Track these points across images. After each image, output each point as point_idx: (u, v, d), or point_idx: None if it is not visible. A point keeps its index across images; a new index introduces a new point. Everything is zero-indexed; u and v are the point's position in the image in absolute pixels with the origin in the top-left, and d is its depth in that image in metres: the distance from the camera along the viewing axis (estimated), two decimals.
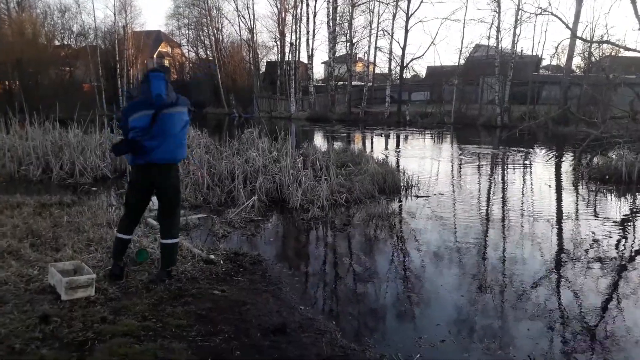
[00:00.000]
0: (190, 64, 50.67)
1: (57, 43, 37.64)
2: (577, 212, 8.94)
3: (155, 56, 52.57)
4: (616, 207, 9.33)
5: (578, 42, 26.87)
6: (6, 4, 34.38)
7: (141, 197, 4.57)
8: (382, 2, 36.16)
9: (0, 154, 10.71)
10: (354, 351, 3.60)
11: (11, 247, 5.13)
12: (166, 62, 54.81)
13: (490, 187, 11.41)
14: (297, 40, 39.02)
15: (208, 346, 3.42)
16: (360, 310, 4.59)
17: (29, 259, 4.85)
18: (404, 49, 34.27)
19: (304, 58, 40.32)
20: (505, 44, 32.39)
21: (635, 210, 9.09)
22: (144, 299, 4.10)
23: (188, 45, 49.73)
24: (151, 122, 4.23)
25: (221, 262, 5.22)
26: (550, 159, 16.01)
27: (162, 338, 3.46)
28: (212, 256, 5.31)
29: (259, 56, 43.94)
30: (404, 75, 37.05)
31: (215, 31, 42.50)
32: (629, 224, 8.02)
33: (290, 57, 38.99)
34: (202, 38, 45.05)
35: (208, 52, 44.78)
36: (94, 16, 49.28)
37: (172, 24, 48.92)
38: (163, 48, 53.90)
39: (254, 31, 41.18)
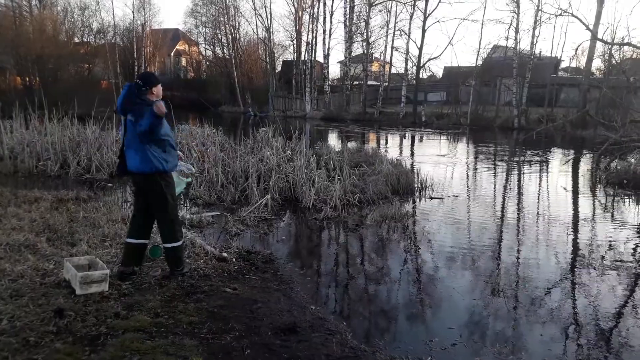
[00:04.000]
0: (207, 62, 50.99)
1: (76, 40, 38.15)
2: (593, 216, 8.80)
3: (172, 54, 53.07)
4: (634, 212, 9.17)
5: (598, 44, 26.40)
6: (28, 1, 34.95)
7: (139, 201, 4.60)
8: (400, 2, 36.05)
9: (19, 149, 10.89)
10: (365, 352, 3.59)
11: (28, 241, 5.22)
12: (183, 61, 55.31)
13: (505, 190, 11.29)
14: (314, 40, 39.06)
15: (219, 343, 3.44)
16: (371, 311, 4.58)
17: (45, 253, 4.93)
18: (420, 49, 34.11)
19: (319, 57, 40.36)
20: (524, 45, 31.89)
21: None
22: (156, 295, 4.14)
23: (205, 44, 50.11)
24: (123, 129, 4.37)
25: (233, 260, 5.25)
26: (568, 162, 15.80)
27: (174, 334, 3.49)
28: (225, 254, 5.34)
29: (275, 55, 44.05)
30: (421, 76, 36.85)
31: (233, 30, 42.68)
32: None
33: (306, 56, 39.00)
34: (219, 36, 45.26)
35: (225, 51, 45.01)
36: (113, 14, 49.98)
37: (190, 22, 49.38)
38: (180, 46, 54.36)
39: (271, 30, 41.29)
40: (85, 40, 39.10)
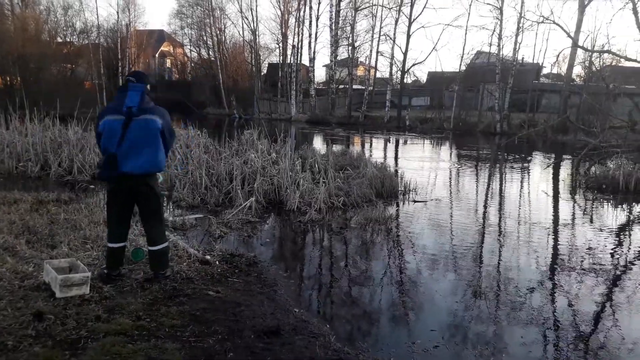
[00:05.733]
0: (192, 64, 50.73)
1: (59, 40, 37.68)
2: (573, 220, 8.95)
3: (157, 55, 52.66)
4: (613, 216, 9.35)
5: (579, 51, 26.88)
6: (10, 0, 34.41)
7: (121, 206, 4.44)
8: (385, 7, 36.28)
9: None
10: (348, 355, 3.60)
11: (7, 243, 5.13)
12: (168, 63, 54.92)
13: (487, 194, 11.42)
14: (299, 43, 39.13)
15: (201, 347, 3.42)
16: (355, 314, 4.60)
17: (25, 256, 4.85)
18: (405, 54, 34.33)
19: (305, 61, 40.47)
20: (507, 51, 32.23)
21: (631, 219, 9.11)
22: (138, 298, 4.10)
23: (190, 45, 49.88)
24: (122, 130, 4.18)
25: (217, 262, 5.22)
26: (549, 167, 16.04)
27: (156, 338, 3.46)
28: (208, 257, 5.31)
29: (261, 58, 43.99)
30: (405, 80, 37.10)
31: (218, 32, 42.56)
32: (625, 233, 8.03)
33: (292, 59, 39.03)
34: (205, 38, 45.11)
35: (210, 53, 44.82)
36: (97, 14, 49.45)
37: (175, 24, 49.08)
38: (165, 47, 53.96)
39: (257, 33, 41.24)
40: (68, 40, 38.63)
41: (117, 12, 38.90)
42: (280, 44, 40.89)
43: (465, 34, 34.43)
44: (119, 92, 4.40)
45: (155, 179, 4.48)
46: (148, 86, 4.44)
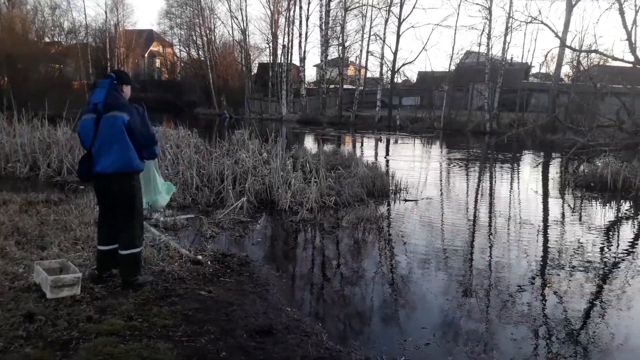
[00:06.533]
0: (182, 64, 50.48)
1: (47, 40, 37.34)
2: (562, 218, 9.04)
3: (146, 55, 52.37)
4: (601, 214, 9.46)
5: (567, 50, 27.14)
6: None
7: (103, 207, 4.39)
8: (375, 7, 36.37)
9: None
10: (340, 353, 3.62)
11: None
12: (157, 62, 54.62)
13: (477, 193, 11.50)
14: (290, 43, 39.06)
15: (194, 346, 3.42)
16: (347, 313, 4.61)
17: (14, 257, 4.82)
18: (395, 53, 34.43)
19: (296, 60, 40.36)
20: (496, 51, 32.63)
21: (619, 217, 9.23)
22: (130, 298, 4.09)
23: (180, 45, 49.64)
24: (94, 128, 4.11)
25: (209, 262, 5.22)
26: (538, 165, 16.18)
27: (148, 338, 3.45)
28: (200, 257, 5.31)
29: (251, 58, 43.91)
30: (395, 80, 37.21)
31: (208, 31, 42.40)
32: (613, 230, 8.13)
33: (282, 59, 38.99)
34: (194, 38, 44.93)
35: (200, 53, 44.64)
36: (85, 14, 49.10)
37: (165, 23, 48.81)
38: (155, 47, 53.67)
39: (247, 32, 41.10)
40: (56, 40, 38.30)
41: (106, 12, 38.89)
42: (271, 44, 40.87)
43: (455, 34, 34.66)
44: (91, 90, 4.38)
45: (129, 178, 4.25)
46: (126, 86, 4.35)
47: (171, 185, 5.12)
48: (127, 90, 4.41)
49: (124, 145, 4.14)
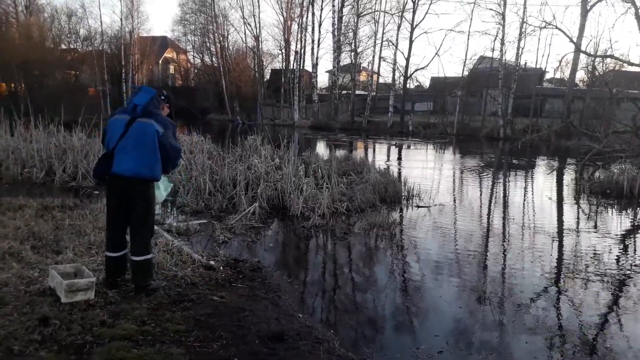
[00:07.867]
0: (195, 70, 50.91)
1: (63, 47, 37.93)
2: (577, 225, 8.93)
3: (160, 62, 52.89)
4: (617, 221, 9.32)
5: (582, 56, 26.88)
6: (15, 7, 34.70)
7: (115, 210, 4.34)
8: (388, 13, 36.42)
9: (4, 156, 10.75)
10: None
11: (12, 248, 5.15)
12: (171, 69, 55.18)
13: (491, 199, 11.41)
14: (302, 49, 39.20)
15: (206, 352, 3.42)
16: (359, 320, 4.59)
17: (30, 261, 4.87)
18: (408, 59, 34.39)
19: (308, 67, 40.48)
20: (509, 56, 32.24)
21: (636, 225, 9.08)
22: (143, 303, 4.11)
23: (194, 52, 50.04)
24: (125, 128, 4.14)
25: (221, 268, 5.23)
26: (552, 171, 16.01)
27: (161, 343, 3.47)
28: (212, 262, 5.33)
29: (264, 64, 44.12)
30: (408, 86, 37.12)
31: (221, 38, 42.68)
32: (630, 238, 8.01)
33: (294, 65, 39.13)
34: (208, 45, 45.22)
35: (213, 59, 44.98)
36: (101, 21, 49.44)
37: (179, 30, 49.29)
38: (169, 54, 54.19)
39: (260, 39, 41.36)
40: (72, 47, 38.89)
41: (121, 19, 39.17)
42: (283, 50, 41.03)
43: (468, 39, 34.30)
44: (131, 92, 4.47)
45: (148, 185, 4.29)
46: (165, 100, 4.46)
47: (168, 182, 5.01)
48: (166, 110, 4.51)
49: (152, 152, 4.18)
